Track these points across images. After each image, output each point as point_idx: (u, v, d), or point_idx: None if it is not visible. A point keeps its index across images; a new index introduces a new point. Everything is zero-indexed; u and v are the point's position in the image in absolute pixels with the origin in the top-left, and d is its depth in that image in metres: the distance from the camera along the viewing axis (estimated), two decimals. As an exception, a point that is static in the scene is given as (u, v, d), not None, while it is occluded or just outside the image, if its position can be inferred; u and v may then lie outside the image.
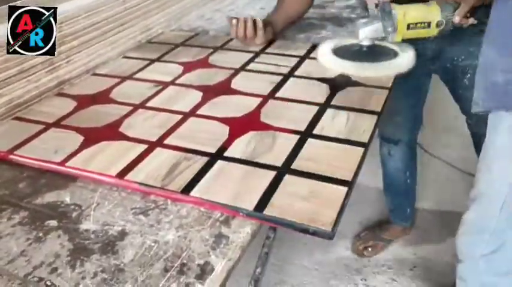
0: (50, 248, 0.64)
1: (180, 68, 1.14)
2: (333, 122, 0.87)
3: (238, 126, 0.87)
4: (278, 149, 0.80)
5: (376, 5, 0.89)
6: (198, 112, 0.93)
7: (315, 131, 0.84)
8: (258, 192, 0.69)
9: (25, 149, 0.84)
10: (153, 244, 0.64)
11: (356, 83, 1.01)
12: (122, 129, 0.89)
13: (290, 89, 1.01)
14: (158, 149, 0.82)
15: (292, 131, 0.84)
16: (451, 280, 1.08)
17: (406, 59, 0.87)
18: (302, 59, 1.16)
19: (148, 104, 0.98)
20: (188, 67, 1.14)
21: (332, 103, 0.94)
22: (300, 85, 1.03)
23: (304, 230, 0.64)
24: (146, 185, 0.73)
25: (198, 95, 1.00)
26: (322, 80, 1.04)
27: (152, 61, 1.19)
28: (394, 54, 0.89)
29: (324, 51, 0.91)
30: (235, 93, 1.00)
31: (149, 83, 1.07)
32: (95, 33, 1.16)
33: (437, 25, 0.90)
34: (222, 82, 1.06)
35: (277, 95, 0.98)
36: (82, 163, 0.79)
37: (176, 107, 0.95)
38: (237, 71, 1.11)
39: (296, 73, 1.08)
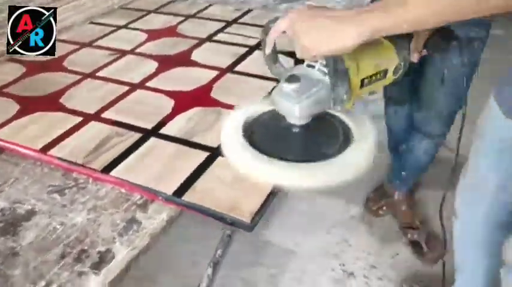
0: (-50, 226, 0.59)
1: (144, 36, 1.07)
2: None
3: (185, 100, 0.80)
4: (220, 128, 0.73)
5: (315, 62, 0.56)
6: (148, 84, 0.87)
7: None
8: (182, 175, 0.63)
9: (-44, 115, 0.79)
10: (58, 226, 0.59)
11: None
12: (62, 99, 0.83)
13: (252, 63, 0.93)
14: (92, 123, 0.76)
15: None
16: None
17: (366, 149, 0.57)
18: (275, 30, 1.07)
19: (99, 74, 0.91)
20: (153, 35, 1.07)
21: (292, 79, 0.85)
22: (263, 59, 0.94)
23: (223, 219, 0.58)
24: (67, 161, 0.67)
25: (153, 66, 0.93)
26: (290, 54, 0.95)
27: (118, 28, 1.13)
28: (346, 138, 0.58)
29: (231, 131, 0.59)
30: (193, 65, 0.93)
31: (107, 51, 1.01)
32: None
33: (395, 72, 0.61)
34: (183, 53, 0.98)
35: (236, 68, 0.91)
36: (10, 134, 0.74)
37: (126, 78, 0.89)
38: (202, 42, 1.03)
39: (264, 45, 1.00)
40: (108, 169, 0.65)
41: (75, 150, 0.69)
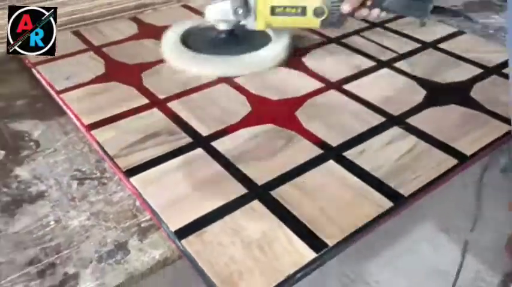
0: (-32, 183, 0.57)
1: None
2: (384, 148, 0.59)
3: (262, 111, 0.66)
4: (280, 160, 0.57)
5: None
6: (236, 79, 0.74)
7: (348, 153, 0.58)
8: (200, 210, 0.50)
9: (48, 66, 0.78)
10: (52, 223, 0.52)
11: (471, 102, 0.68)
12: (145, 73, 0.76)
13: (371, 83, 0.74)
14: (154, 110, 0.67)
15: (318, 141, 0.60)
16: None
17: (276, 49, 0.71)
18: (424, 47, 0.84)
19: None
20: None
21: (407, 120, 0.64)
22: (388, 81, 0.74)
23: (211, 291, 0.44)
24: (103, 148, 0.60)
25: (256, 58, 0.80)
26: (424, 82, 0.73)
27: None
28: (263, 43, 0.73)
29: (171, 38, 0.75)
30: (299, 69, 0.77)
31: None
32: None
33: (316, 14, 0.67)
34: (297, 51, 0.83)
35: (347, 86, 0.72)
36: (75, 99, 0.69)
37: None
38: (326, 41, 0.86)
39: (397, 64, 0.78)
40: (131, 172, 0.55)
41: (118, 137, 0.61)
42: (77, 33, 0.89)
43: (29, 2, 0.90)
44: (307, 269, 0.45)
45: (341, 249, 0.47)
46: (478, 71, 0.77)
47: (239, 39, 0.73)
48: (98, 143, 0.60)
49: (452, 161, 0.57)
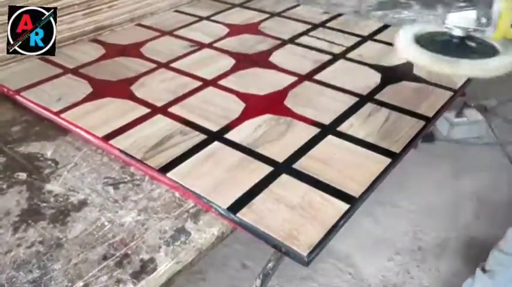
0: (4, 204, 0.59)
1: (225, 31, 1.03)
2: (367, 120, 0.72)
3: (256, 105, 0.75)
4: (288, 141, 0.67)
5: None
6: (220, 82, 0.82)
7: (340, 128, 0.70)
8: (241, 189, 0.58)
9: (32, 91, 0.80)
10: (106, 223, 0.56)
11: (416, 78, 0.84)
12: (133, 87, 0.81)
13: (334, 72, 0.86)
14: (159, 116, 0.73)
15: (313, 121, 0.71)
16: None
17: (507, 60, 0.69)
18: (364, 39, 0.99)
19: (174, 65, 0.89)
20: (234, 31, 1.03)
21: (375, 97, 0.78)
22: (347, 69, 0.87)
23: (276, 247, 0.52)
24: (127, 154, 0.65)
25: (229, 63, 0.89)
26: (376, 67, 0.87)
27: (201, 19, 1.10)
28: (493, 53, 0.71)
29: (405, 39, 0.73)
30: (270, 68, 0.88)
31: (186, 41, 0.98)
32: (145, -20, 1.09)
33: None
34: (262, 53, 0.93)
35: (316, 76, 0.84)
36: (77, 117, 0.73)
37: (200, 73, 0.85)
38: (283, 43, 0.97)
39: (349, 55, 0.92)
40: (165, 169, 0.62)
41: (137, 143, 0.66)
42: (45, 59, 0.90)
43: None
44: (345, 217, 0.55)
45: (364, 198, 0.58)
46: (412, 54, 0.93)
47: (469, 47, 0.74)
48: (121, 150, 0.65)
49: (420, 123, 0.71)
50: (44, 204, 0.59)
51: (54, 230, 0.55)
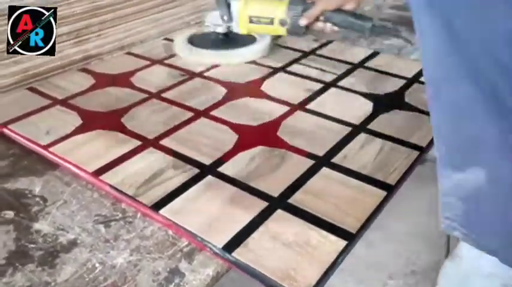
0: (-9, 245, 0.57)
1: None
2: (361, 151, 0.71)
3: (249, 136, 0.75)
4: (282, 174, 0.66)
5: None
6: (212, 113, 0.82)
7: (335, 159, 0.69)
8: (236, 226, 0.57)
9: (20, 124, 0.78)
10: (97, 265, 0.54)
11: (408, 106, 0.84)
12: (124, 119, 0.80)
13: (326, 101, 0.86)
14: (150, 149, 0.72)
15: (307, 153, 0.70)
16: None
17: (260, 46, 0.96)
18: (355, 67, 1.00)
19: (165, 95, 0.88)
20: (225, 59, 1.03)
21: (368, 127, 0.78)
22: (339, 98, 0.87)
23: (273, 288, 0.51)
24: (118, 190, 0.63)
25: (220, 93, 0.89)
26: (368, 96, 0.87)
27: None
28: (251, 42, 0.96)
29: (180, 41, 0.98)
30: (262, 97, 0.87)
31: (177, 70, 0.98)
32: (134, 8, 1.08)
33: (281, 23, 0.88)
34: (253, 81, 0.93)
35: (309, 106, 0.84)
36: (66, 150, 0.71)
37: (191, 103, 0.85)
38: (275, 71, 0.97)
39: (340, 83, 0.92)
40: (157, 205, 0.60)
41: (129, 178, 0.65)
42: (33, 90, 0.89)
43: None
44: (343, 254, 0.54)
45: (362, 233, 0.57)
46: (402, 81, 0.94)
47: (232, 40, 0.96)
48: (111, 186, 0.64)
49: (415, 153, 0.71)
50: (32, 245, 0.57)
51: (43, 274, 0.53)
